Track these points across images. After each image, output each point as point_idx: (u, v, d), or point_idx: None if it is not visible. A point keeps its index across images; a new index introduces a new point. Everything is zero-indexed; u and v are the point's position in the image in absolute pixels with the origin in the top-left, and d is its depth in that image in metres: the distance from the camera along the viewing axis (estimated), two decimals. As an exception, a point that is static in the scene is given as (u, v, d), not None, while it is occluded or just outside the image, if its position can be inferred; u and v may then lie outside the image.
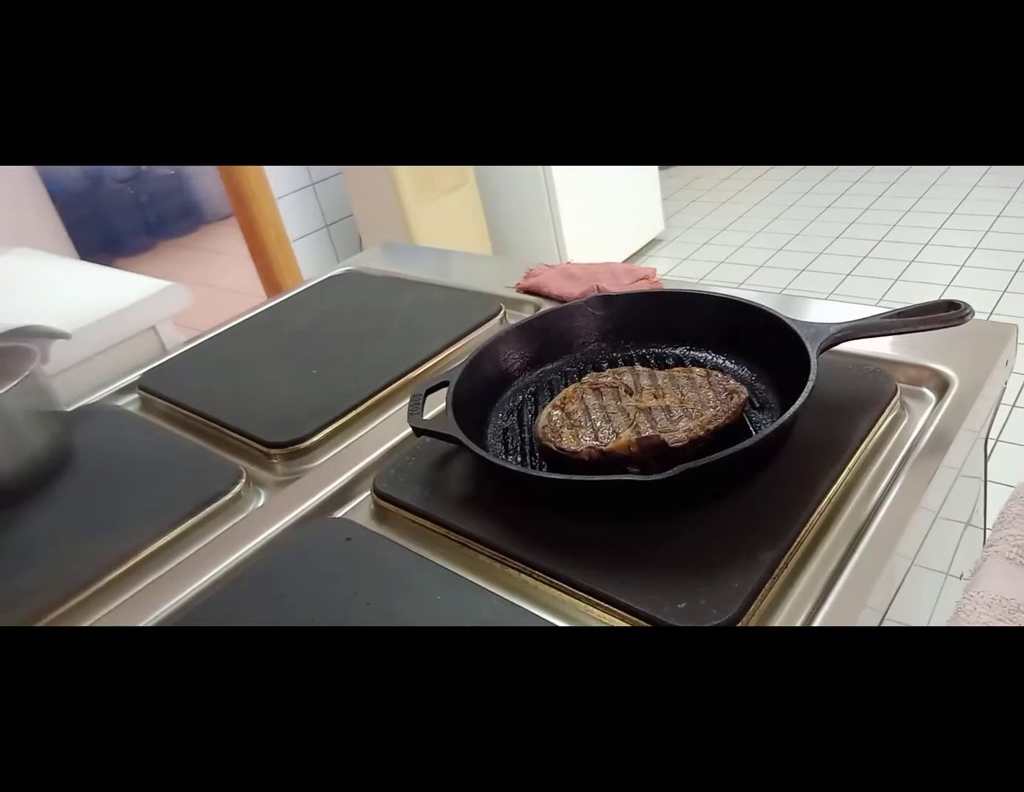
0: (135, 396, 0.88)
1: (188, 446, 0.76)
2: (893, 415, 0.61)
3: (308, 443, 0.72)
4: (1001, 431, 1.78)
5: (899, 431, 0.60)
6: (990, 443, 0.76)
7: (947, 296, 0.60)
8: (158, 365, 0.92)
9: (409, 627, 0.49)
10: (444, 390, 0.64)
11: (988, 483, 0.80)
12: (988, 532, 0.59)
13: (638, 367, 0.65)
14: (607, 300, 0.72)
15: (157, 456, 0.75)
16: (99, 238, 3.93)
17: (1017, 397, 1.86)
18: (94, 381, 0.90)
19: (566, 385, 0.66)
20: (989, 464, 0.78)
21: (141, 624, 0.57)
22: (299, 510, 0.65)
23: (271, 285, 2.61)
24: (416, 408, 0.62)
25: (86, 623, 0.58)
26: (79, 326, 0.93)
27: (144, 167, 4.15)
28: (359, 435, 0.73)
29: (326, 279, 1.08)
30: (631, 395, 0.61)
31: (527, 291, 0.91)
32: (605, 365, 0.70)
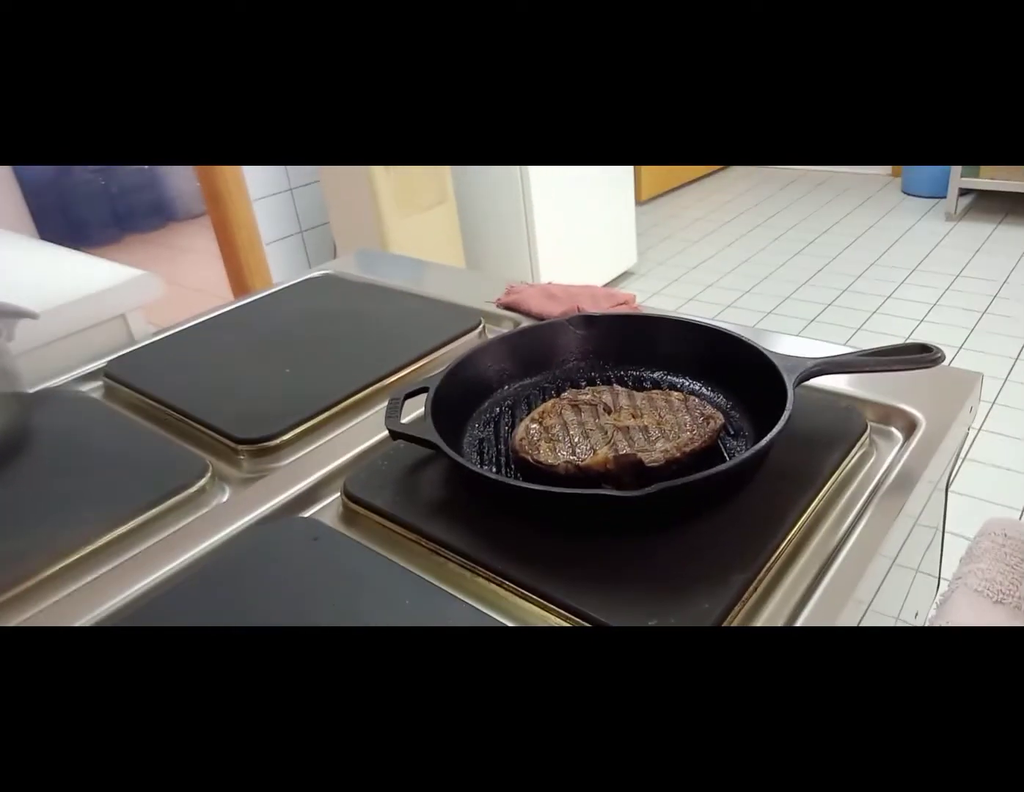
0: (99, 383, 0.86)
1: (152, 437, 0.74)
2: (862, 451, 0.63)
3: (278, 441, 0.70)
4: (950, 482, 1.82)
5: (868, 466, 0.62)
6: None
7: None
8: (126, 353, 0.90)
9: (369, 627, 0.49)
10: (421, 396, 0.64)
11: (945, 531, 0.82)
12: (958, 564, 0.60)
13: (617, 387, 0.65)
14: (589, 320, 0.73)
15: (119, 445, 0.73)
16: (65, 227, 3.85)
17: (968, 451, 1.91)
18: (58, 365, 0.88)
19: (544, 400, 0.66)
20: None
21: (77, 623, 0.53)
22: (264, 507, 0.63)
23: (240, 287, 2.58)
24: (394, 412, 0.62)
25: (13, 622, 0.54)
26: (47, 308, 0.90)
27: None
28: (330, 436, 0.72)
29: (302, 281, 1.07)
30: (609, 413, 0.61)
31: (507, 307, 0.91)
32: (583, 383, 0.70)
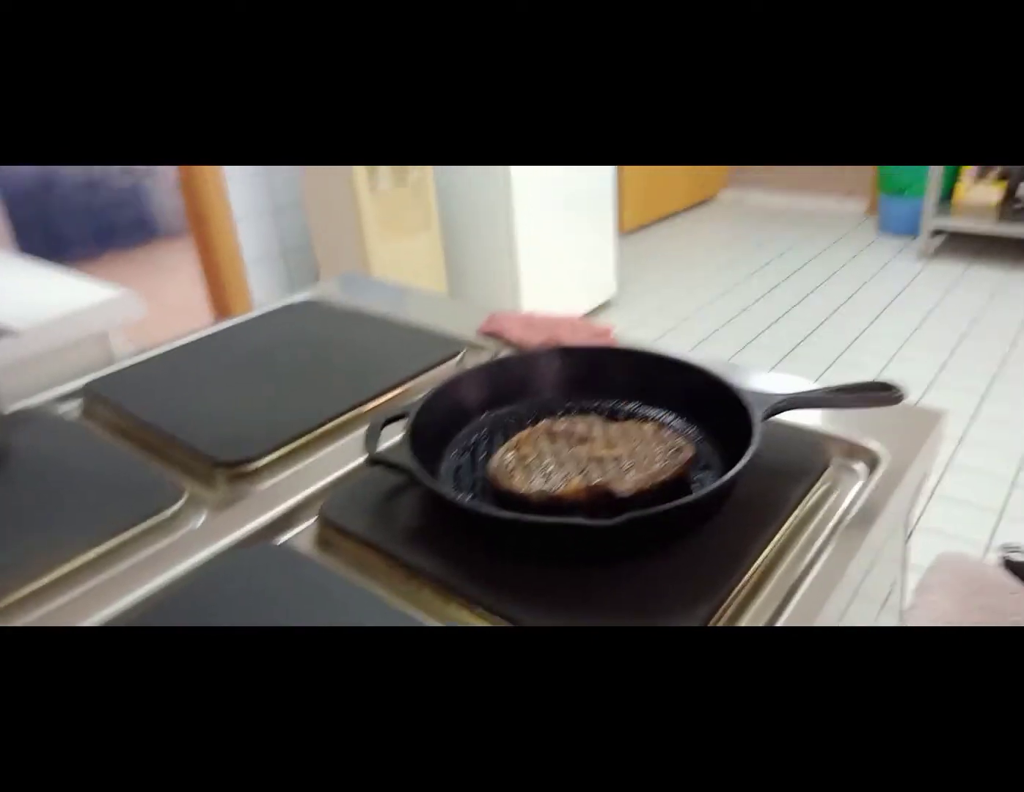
0: (78, 403, 0.86)
1: (129, 458, 0.75)
2: (826, 486, 0.64)
3: (255, 465, 0.71)
4: (911, 518, 1.86)
5: (830, 501, 0.63)
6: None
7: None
8: (105, 374, 0.90)
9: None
10: (400, 423, 0.65)
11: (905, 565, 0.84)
12: (912, 595, 0.62)
13: (592, 417, 0.67)
14: (566, 352, 0.75)
15: (95, 466, 0.73)
16: (45, 241, 3.82)
17: (935, 486, 1.95)
18: (36, 383, 0.88)
19: (520, 429, 0.67)
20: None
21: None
22: (240, 532, 0.64)
23: (220, 308, 2.59)
24: (373, 438, 0.63)
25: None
26: (27, 325, 0.91)
27: (100, 176, 4.09)
28: (308, 461, 0.73)
29: (285, 306, 1.08)
30: (583, 443, 0.63)
31: (489, 334, 0.93)
32: (559, 413, 0.72)
